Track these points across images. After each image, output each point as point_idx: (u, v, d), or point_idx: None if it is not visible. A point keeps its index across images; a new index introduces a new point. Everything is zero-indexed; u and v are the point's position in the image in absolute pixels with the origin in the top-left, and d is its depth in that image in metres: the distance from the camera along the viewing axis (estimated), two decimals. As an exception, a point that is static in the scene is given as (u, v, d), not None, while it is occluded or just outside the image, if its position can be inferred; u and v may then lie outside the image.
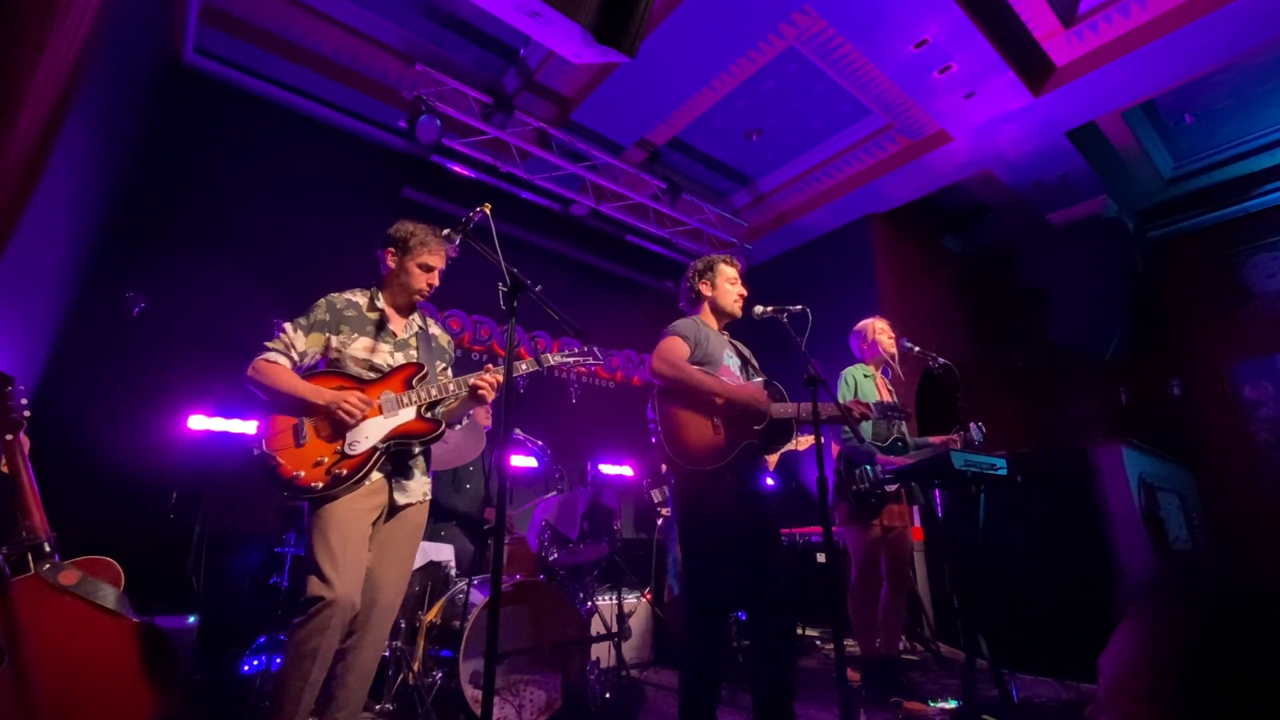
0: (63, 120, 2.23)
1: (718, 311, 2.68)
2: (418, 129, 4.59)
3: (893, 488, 3.24)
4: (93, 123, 3.06)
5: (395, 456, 2.09)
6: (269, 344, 2.07)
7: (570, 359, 2.36)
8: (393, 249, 2.25)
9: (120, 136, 3.70)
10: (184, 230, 4.21)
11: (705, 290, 2.67)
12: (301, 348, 2.09)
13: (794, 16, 4.33)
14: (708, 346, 2.49)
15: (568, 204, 6.00)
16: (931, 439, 3.48)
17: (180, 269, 4.03)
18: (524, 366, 2.27)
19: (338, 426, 2.00)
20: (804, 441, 3.61)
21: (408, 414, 2.09)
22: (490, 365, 2.21)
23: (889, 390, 3.56)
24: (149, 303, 3.73)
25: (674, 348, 2.42)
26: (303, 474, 1.92)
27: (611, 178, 5.85)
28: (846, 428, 3.11)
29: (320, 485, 1.92)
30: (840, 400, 3.02)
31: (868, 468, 3.23)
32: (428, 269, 2.25)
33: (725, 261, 2.71)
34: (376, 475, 2.03)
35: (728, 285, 2.66)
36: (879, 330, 3.54)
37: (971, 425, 3.28)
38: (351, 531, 1.92)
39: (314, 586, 1.84)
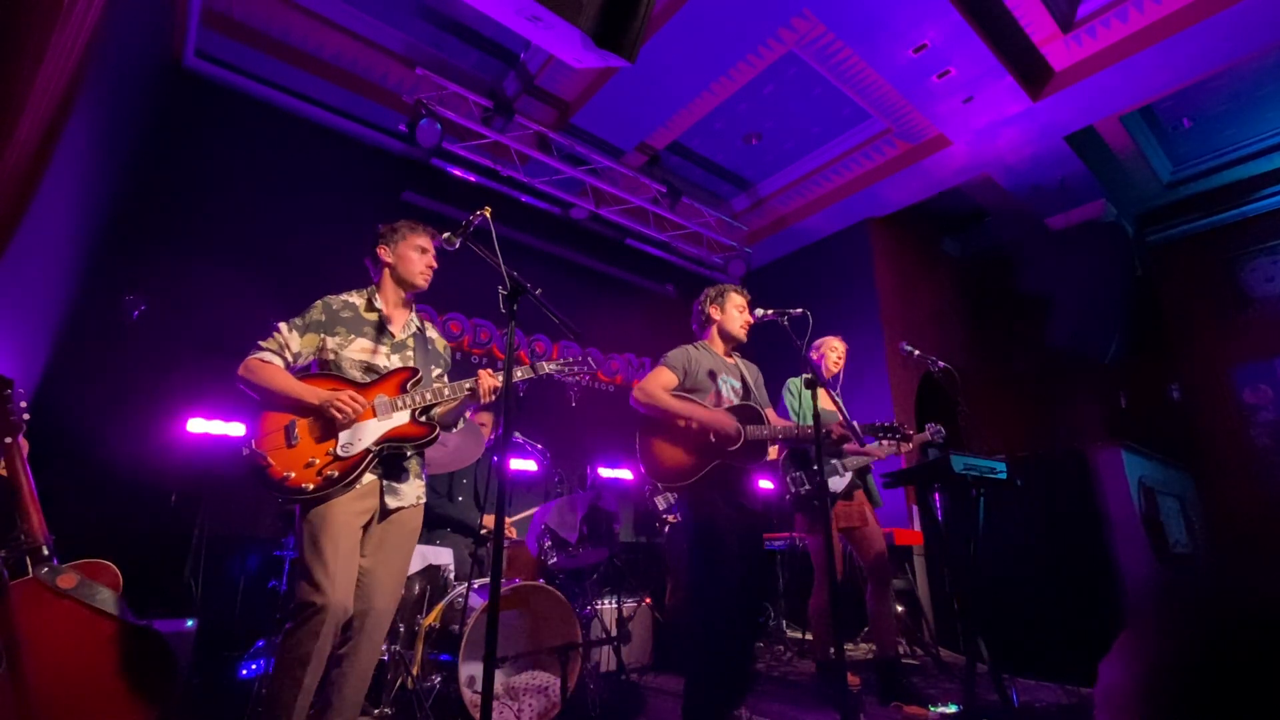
0: (64, 123, 2.23)
1: (724, 336, 2.88)
2: (418, 133, 4.59)
3: (841, 486, 3.30)
4: (94, 126, 3.06)
5: (388, 460, 2.07)
6: (263, 342, 2.05)
7: (566, 368, 2.35)
8: (384, 244, 2.26)
9: (121, 139, 3.70)
10: (184, 233, 4.21)
11: (715, 314, 2.89)
12: (296, 348, 2.07)
13: (793, 21, 4.34)
14: (699, 375, 2.70)
15: (567, 208, 6.01)
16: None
17: (180, 272, 4.03)
18: (519, 373, 2.24)
19: (330, 428, 1.98)
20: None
21: (401, 417, 2.07)
22: (490, 370, 2.19)
23: (832, 399, 3.59)
24: (149, 306, 3.73)
25: (658, 378, 2.65)
26: (293, 475, 1.90)
27: (611, 181, 5.86)
28: None
29: (311, 487, 1.89)
30: (789, 408, 3.35)
31: (805, 472, 3.30)
32: (423, 250, 2.26)
33: (735, 290, 2.95)
34: (369, 478, 2.01)
35: (735, 312, 2.87)
36: (831, 348, 3.64)
37: (929, 425, 3.39)
38: (342, 535, 1.90)
39: (305, 592, 1.83)
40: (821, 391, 3.51)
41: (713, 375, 2.70)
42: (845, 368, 3.69)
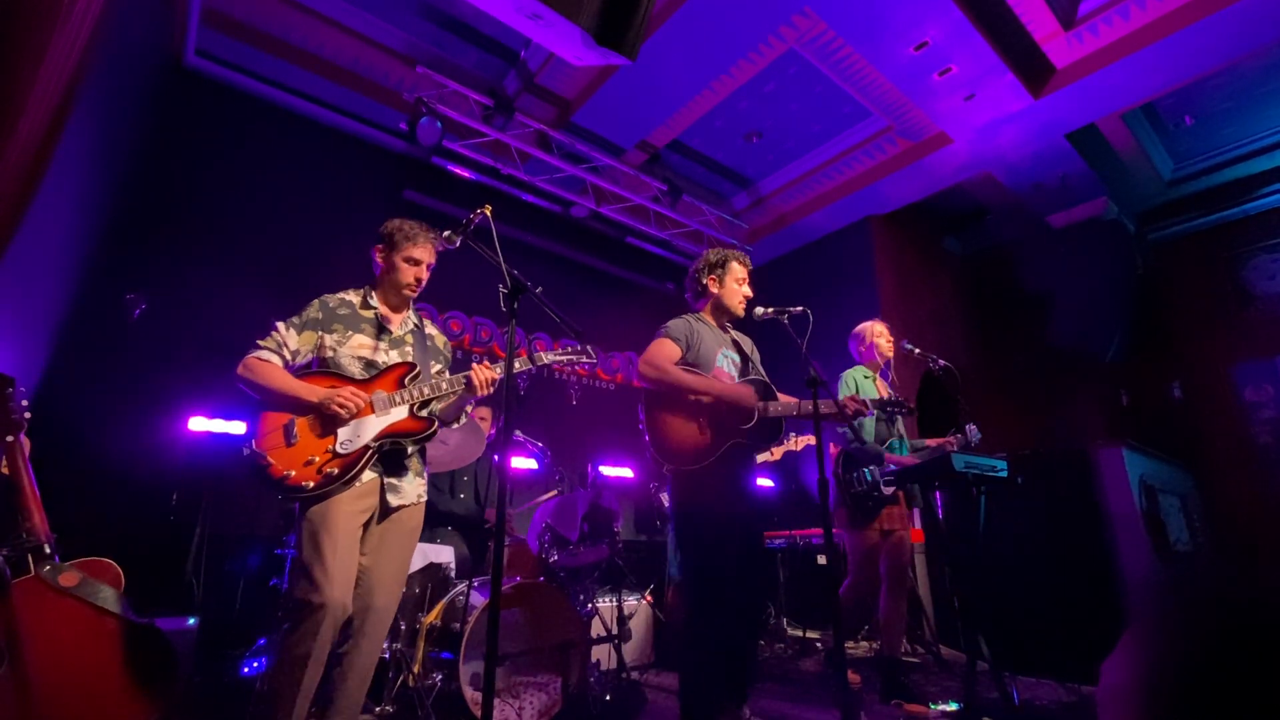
0: (64, 123, 2.23)
1: (719, 310, 2.69)
2: (418, 131, 4.59)
3: (890, 490, 3.23)
4: (94, 125, 3.06)
5: (388, 456, 2.07)
6: (261, 341, 2.05)
7: (564, 358, 2.35)
8: (381, 245, 2.25)
9: (121, 138, 3.70)
10: (185, 232, 4.21)
11: (712, 287, 2.68)
12: (294, 346, 2.07)
13: (794, 19, 4.33)
14: (701, 348, 2.51)
15: (568, 206, 6.00)
16: (928, 441, 3.48)
17: (181, 271, 4.03)
18: (518, 365, 2.23)
19: (329, 425, 1.98)
20: (801, 441, 3.62)
21: (400, 412, 2.08)
22: (487, 363, 2.19)
23: (888, 392, 3.57)
24: (149, 304, 3.73)
25: (662, 350, 2.46)
26: (293, 473, 1.90)
27: (612, 180, 5.85)
28: (850, 431, 3.11)
29: (311, 485, 1.90)
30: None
31: (866, 470, 3.23)
32: (414, 262, 2.23)
33: (738, 260, 2.71)
34: (369, 475, 2.01)
35: (735, 284, 2.67)
36: (877, 334, 3.57)
37: (968, 426, 3.29)
38: (341, 533, 1.90)
39: (303, 590, 1.83)
40: (879, 384, 3.53)
41: (712, 349, 2.55)
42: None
